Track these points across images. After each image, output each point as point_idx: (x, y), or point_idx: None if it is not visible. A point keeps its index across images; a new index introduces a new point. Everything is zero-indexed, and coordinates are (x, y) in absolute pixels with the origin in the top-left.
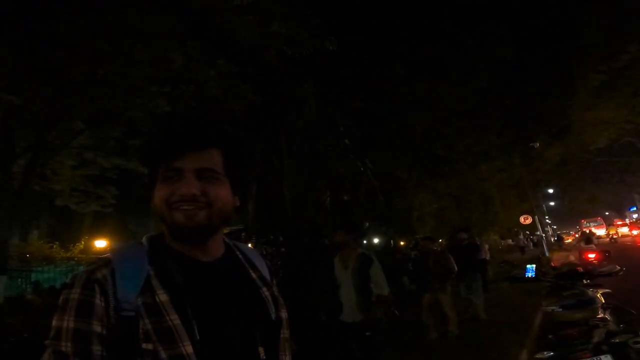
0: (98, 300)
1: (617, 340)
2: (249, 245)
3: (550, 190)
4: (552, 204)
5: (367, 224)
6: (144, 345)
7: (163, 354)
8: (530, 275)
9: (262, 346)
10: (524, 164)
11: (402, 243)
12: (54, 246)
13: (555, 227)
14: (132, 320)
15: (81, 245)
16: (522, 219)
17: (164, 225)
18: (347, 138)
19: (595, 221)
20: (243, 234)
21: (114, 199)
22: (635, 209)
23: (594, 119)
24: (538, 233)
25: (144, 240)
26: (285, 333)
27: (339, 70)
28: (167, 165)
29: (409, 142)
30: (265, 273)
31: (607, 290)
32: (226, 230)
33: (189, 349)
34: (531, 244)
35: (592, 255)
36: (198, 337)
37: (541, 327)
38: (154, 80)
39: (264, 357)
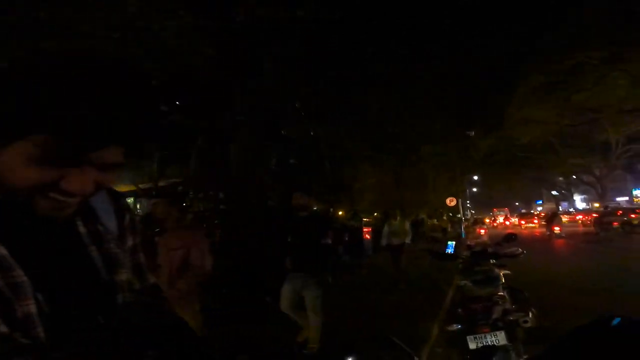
0: None
1: (511, 318)
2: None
3: (475, 177)
4: (474, 190)
5: (312, 188)
6: None
7: (18, 312)
8: (449, 252)
9: (99, 312)
10: (458, 150)
11: (340, 213)
12: None
13: (474, 211)
14: None
15: None
16: (448, 201)
17: None
18: (302, 104)
19: (503, 211)
20: (180, 187)
21: None
22: (541, 202)
23: (525, 117)
24: (459, 215)
25: None
26: (126, 297)
27: (308, 37)
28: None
29: (363, 115)
30: (110, 225)
31: (507, 271)
32: (162, 183)
33: (34, 307)
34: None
35: (482, 231)
36: (41, 298)
37: (453, 302)
38: (103, 24)
39: (102, 323)
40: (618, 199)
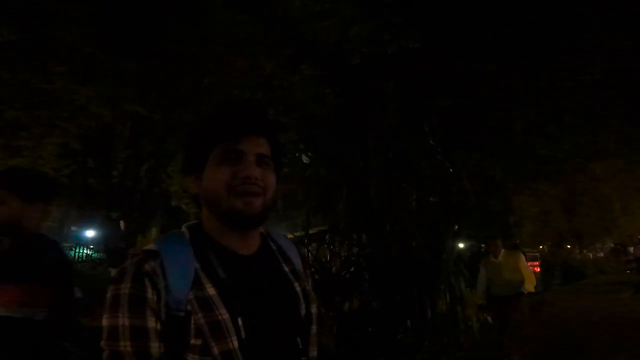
0: (150, 295)
1: None
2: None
3: None
4: None
5: (457, 226)
6: (192, 341)
7: (215, 349)
8: None
9: (299, 340)
10: None
11: None
12: None
13: None
14: (183, 316)
15: None
16: None
17: (207, 212)
18: (432, 137)
19: None
20: (327, 235)
21: None
22: None
23: None
24: None
25: (184, 229)
26: (314, 329)
27: (423, 68)
28: (226, 146)
29: (506, 141)
30: (299, 266)
31: None
32: (313, 231)
33: (236, 343)
34: None
35: None
36: (244, 334)
37: None
38: (247, 87)
39: (301, 349)
40: None
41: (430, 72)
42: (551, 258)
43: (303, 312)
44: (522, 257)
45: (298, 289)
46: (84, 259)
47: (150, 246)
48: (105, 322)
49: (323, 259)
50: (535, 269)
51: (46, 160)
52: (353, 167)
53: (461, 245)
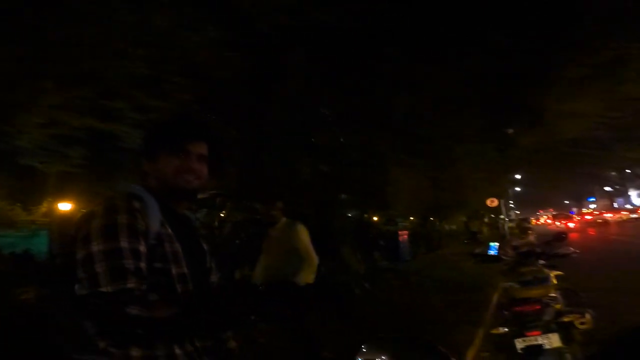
0: (141, 226)
1: (565, 320)
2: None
3: (518, 176)
4: (517, 189)
5: (344, 195)
6: (156, 265)
7: (174, 271)
8: (492, 253)
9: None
10: (497, 149)
11: (375, 218)
12: (15, 208)
13: (518, 212)
14: (154, 244)
15: (44, 207)
16: (488, 202)
17: (159, 183)
18: (330, 110)
19: (548, 211)
20: (218, 198)
21: (82, 160)
22: (594, 199)
23: (569, 111)
24: (502, 216)
25: (137, 187)
26: (214, 277)
27: (333, 44)
28: (179, 146)
29: (390, 118)
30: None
31: (560, 272)
32: (203, 196)
33: (186, 269)
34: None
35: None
36: (186, 262)
37: (498, 304)
38: (138, 43)
39: (213, 281)
40: None
41: (338, 49)
42: (419, 229)
43: (207, 264)
44: (304, 230)
45: (206, 246)
46: None
47: (131, 191)
48: (100, 246)
49: (212, 224)
50: (404, 236)
51: None
52: (248, 132)
53: (349, 214)
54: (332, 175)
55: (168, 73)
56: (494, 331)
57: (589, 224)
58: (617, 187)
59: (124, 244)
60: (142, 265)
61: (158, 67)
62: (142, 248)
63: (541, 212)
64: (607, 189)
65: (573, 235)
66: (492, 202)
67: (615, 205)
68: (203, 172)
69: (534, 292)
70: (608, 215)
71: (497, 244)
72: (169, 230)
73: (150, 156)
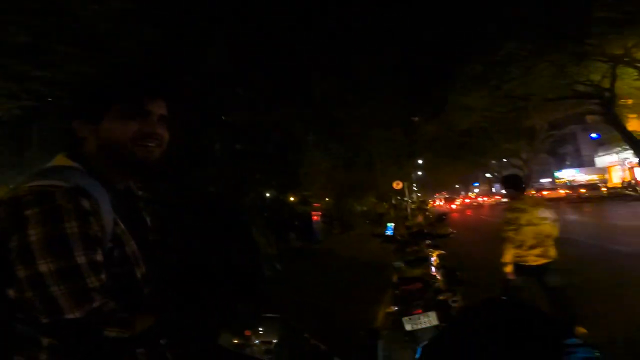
0: (95, 232)
1: (441, 298)
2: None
3: (421, 161)
4: (421, 174)
5: (258, 175)
6: (116, 269)
7: (138, 274)
8: (389, 234)
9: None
10: (405, 135)
11: (291, 199)
12: None
13: (420, 194)
14: (111, 247)
15: None
16: (394, 184)
17: (103, 153)
18: (247, 89)
19: (442, 195)
20: None
21: None
22: (477, 184)
23: (465, 104)
24: (406, 198)
25: (73, 164)
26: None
27: (252, 21)
28: (133, 104)
29: (307, 101)
30: None
31: (442, 252)
32: None
33: (144, 268)
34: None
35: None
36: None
37: (391, 283)
38: (27, 12)
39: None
40: (542, 180)
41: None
42: (334, 211)
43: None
44: None
45: (147, 217)
46: None
47: (67, 182)
48: (53, 265)
49: None
50: (317, 217)
51: None
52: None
53: (267, 195)
54: (247, 154)
55: (54, 42)
56: (388, 310)
57: (467, 206)
58: (496, 174)
59: (80, 259)
60: (103, 277)
61: (42, 36)
62: (100, 257)
63: (437, 195)
64: (487, 175)
65: (454, 215)
66: (397, 185)
67: (493, 190)
68: (165, 138)
69: (416, 272)
70: (483, 199)
71: (392, 224)
72: (122, 226)
73: (93, 117)
